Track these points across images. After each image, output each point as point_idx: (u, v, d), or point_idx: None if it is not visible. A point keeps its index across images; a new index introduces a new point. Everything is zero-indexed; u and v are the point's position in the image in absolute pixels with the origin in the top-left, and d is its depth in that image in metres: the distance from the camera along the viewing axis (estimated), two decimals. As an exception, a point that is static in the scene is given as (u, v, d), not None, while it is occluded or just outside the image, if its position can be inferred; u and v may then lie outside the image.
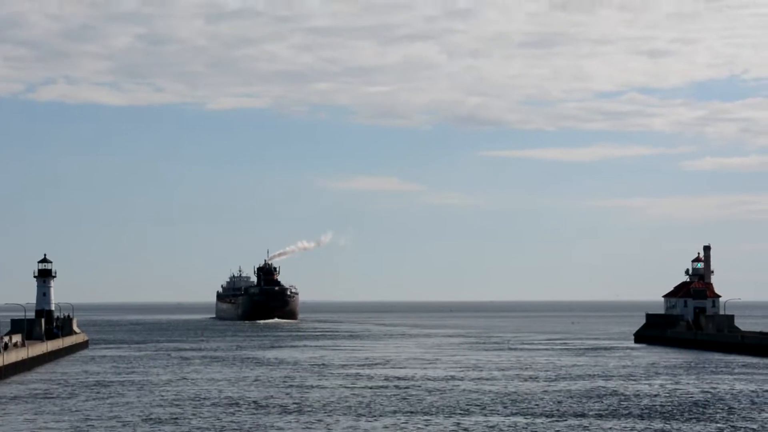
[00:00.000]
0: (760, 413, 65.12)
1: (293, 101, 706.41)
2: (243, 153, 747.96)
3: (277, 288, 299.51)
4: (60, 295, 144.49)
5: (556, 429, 57.22)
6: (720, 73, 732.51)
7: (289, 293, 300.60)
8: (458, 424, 59.63)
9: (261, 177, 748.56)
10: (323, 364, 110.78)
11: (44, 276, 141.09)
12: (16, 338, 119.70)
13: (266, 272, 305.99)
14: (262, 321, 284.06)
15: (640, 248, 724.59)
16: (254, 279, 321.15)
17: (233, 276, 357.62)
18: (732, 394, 77.32)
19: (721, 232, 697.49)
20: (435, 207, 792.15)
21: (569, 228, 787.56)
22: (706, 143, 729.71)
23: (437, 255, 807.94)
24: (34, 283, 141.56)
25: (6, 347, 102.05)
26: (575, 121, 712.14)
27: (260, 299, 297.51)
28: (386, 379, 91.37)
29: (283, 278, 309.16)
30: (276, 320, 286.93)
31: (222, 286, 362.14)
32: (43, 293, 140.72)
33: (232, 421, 60.93)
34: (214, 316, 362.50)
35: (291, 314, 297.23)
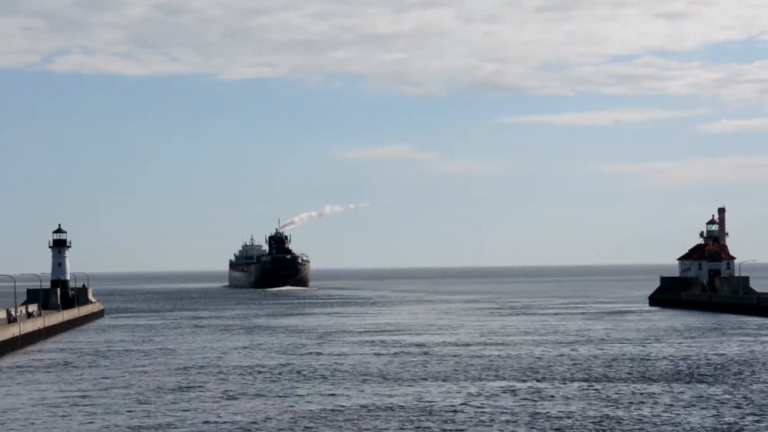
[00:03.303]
0: (778, 374, 64.92)
1: (307, 70, 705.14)
2: (257, 122, 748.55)
3: (288, 256, 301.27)
4: (75, 265, 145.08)
5: (574, 393, 57.14)
6: (738, 35, 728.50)
7: (300, 261, 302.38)
8: (480, 390, 59.59)
9: (275, 146, 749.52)
10: (338, 331, 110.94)
11: (59, 246, 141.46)
12: (33, 308, 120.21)
13: (278, 241, 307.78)
14: (274, 289, 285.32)
15: (658, 211, 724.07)
16: (266, 248, 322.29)
17: (245, 245, 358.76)
18: (747, 355, 77.11)
19: (737, 194, 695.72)
20: (450, 174, 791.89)
21: (586, 192, 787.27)
22: (723, 105, 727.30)
23: (453, 222, 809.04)
24: (49, 253, 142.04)
25: (14, 318, 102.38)
26: (591, 85, 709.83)
27: (272, 267, 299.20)
28: (405, 345, 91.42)
29: (295, 247, 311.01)
30: (288, 288, 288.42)
31: (235, 255, 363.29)
32: (59, 263, 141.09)
33: (249, 389, 61.01)
34: (227, 284, 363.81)
35: (302, 282, 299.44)
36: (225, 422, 48.85)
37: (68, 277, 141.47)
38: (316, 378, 66.12)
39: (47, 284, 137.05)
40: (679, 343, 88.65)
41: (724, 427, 46.08)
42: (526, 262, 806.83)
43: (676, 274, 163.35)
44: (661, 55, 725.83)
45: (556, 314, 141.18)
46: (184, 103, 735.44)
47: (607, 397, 55.42)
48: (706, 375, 65.14)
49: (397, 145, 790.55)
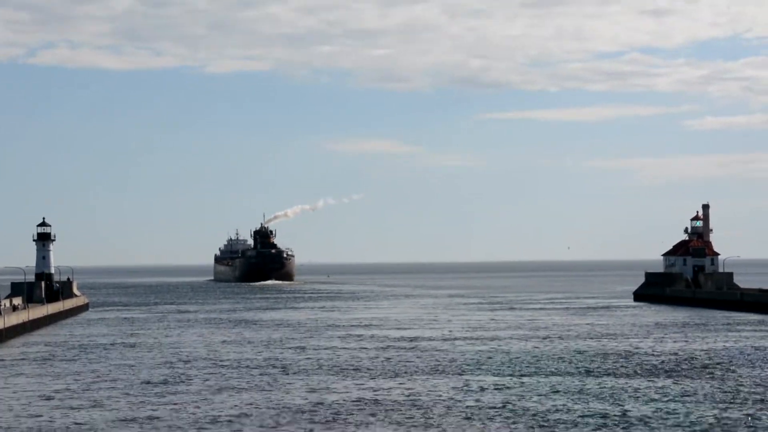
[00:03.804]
0: (759, 370, 65.24)
1: (294, 64, 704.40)
2: (243, 116, 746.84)
3: (273, 251, 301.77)
4: (59, 259, 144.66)
5: (560, 388, 57.32)
6: (723, 32, 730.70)
7: (285, 256, 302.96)
8: (466, 384, 59.71)
9: (261, 140, 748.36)
10: (324, 325, 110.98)
11: (43, 239, 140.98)
12: (17, 301, 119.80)
13: (262, 235, 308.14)
14: (258, 283, 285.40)
15: (642, 207, 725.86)
16: (251, 242, 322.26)
17: (231, 239, 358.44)
18: (731, 350, 77.50)
19: (722, 190, 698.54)
20: (436, 169, 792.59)
21: (571, 188, 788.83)
22: (708, 102, 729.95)
23: (439, 217, 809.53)
24: (33, 246, 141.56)
25: None
26: (577, 81, 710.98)
27: (257, 262, 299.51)
28: (391, 339, 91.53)
29: (281, 241, 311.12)
30: (273, 282, 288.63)
31: (220, 249, 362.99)
32: (43, 256, 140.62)
33: (235, 382, 60.99)
34: (212, 278, 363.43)
35: (287, 276, 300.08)
36: (212, 416, 48.82)
37: (53, 271, 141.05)
38: (302, 372, 66.14)
39: (31, 277, 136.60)
40: (664, 339, 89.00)
41: (709, 421, 46.31)
42: (511, 257, 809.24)
43: (661, 269, 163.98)
44: (647, 51, 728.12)
45: (541, 309, 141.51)
46: (170, 96, 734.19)
47: (592, 392, 55.62)
48: (691, 370, 65.43)
49: (384, 140, 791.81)
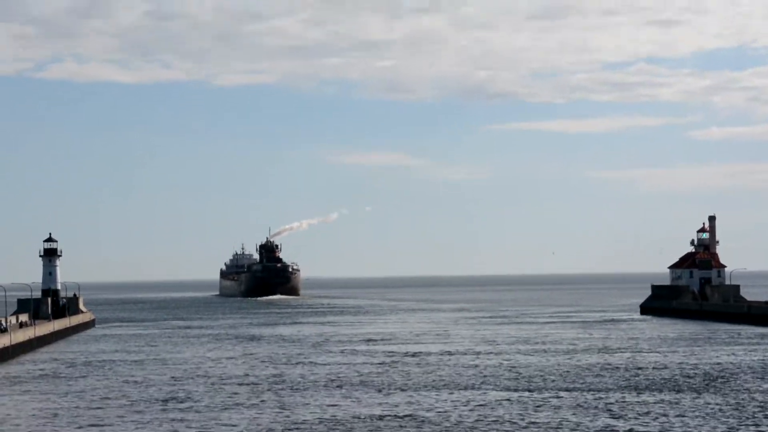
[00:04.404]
0: (765, 382, 65.06)
1: (301, 77, 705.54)
2: (250, 129, 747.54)
3: (279, 265, 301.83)
4: (66, 275, 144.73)
5: (566, 402, 57.15)
6: (729, 43, 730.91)
7: (290, 270, 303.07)
8: (472, 399, 59.56)
9: (268, 153, 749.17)
10: (330, 340, 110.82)
11: (50, 255, 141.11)
12: (23, 317, 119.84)
13: (268, 249, 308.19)
14: (264, 298, 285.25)
15: (648, 218, 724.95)
16: (257, 256, 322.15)
17: (236, 254, 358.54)
18: (738, 364, 77.22)
19: (727, 201, 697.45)
20: (442, 181, 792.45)
21: (577, 200, 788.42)
22: (713, 113, 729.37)
23: (444, 229, 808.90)
24: (39, 262, 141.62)
25: (4, 328, 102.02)
26: (583, 92, 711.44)
27: (262, 276, 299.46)
28: (398, 354, 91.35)
29: (287, 255, 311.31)
30: (278, 296, 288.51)
31: (225, 264, 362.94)
32: (49, 272, 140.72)
33: (242, 398, 60.88)
34: (217, 293, 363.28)
35: (293, 290, 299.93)
36: (218, 433, 48.70)
37: (59, 287, 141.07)
38: (309, 387, 66.00)
39: (38, 294, 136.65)
40: (671, 352, 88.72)
41: (717, 436, 46.12)
42: (517, 270, 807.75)
43: (667, 282, 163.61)
44: (653, 62, 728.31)
45: (547, 323, 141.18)
46: (177, 110, 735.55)
47: (599, 406, 55.43)
48: (698, 384, 65.19)
49: (389, 151, 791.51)
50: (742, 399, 57.70)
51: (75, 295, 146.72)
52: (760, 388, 62.56)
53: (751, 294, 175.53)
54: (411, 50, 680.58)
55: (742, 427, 48.41)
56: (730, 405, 55.38)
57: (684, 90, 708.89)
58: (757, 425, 48.80)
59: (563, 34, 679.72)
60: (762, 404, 55.54)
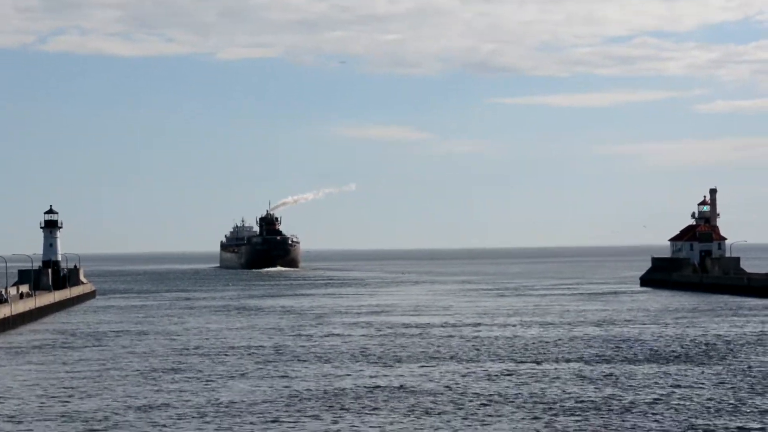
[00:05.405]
0: (765, 354, 65.21)
1: (305, 50, 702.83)
2: (253, 103, 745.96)
3: (278, 237, 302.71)
4: (66, 246, 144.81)
5: (568, 374, 57.30)
6: (734, 16, 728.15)
7: (290, 242, 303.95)
8: (475, 370, 59.71)
9: (271, 127, 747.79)
10: (332, 312, 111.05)
11: (50, 227, 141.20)
12: (24, 288, 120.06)
13: (268, 222, 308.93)
14: (264, 270, 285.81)
15: (652, 192, 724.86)
16: (257, 229, 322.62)
17: (236, 226, 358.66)
18: (738, 336, 77.39)
19: (729, 175, 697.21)
20: (447, 155, 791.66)
21: (582, 173, 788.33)
22: (719, 86, 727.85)
23: (448, 202, 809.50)
24: (40, 234, 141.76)
25: (5, 299, 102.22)
26: (588, 66, 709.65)
27: (262, 248, 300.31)
28: (400, 326, 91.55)
29: (287, 228, 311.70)
30: (278, 269, 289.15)
31: (225, 236, 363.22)
32: (50, 244, 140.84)
33: (245, 370, 61.03)
34: (218, 265, 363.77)
35: (293, 263, 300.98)
36: (221, 403, 48.85)
37: (59, 258, 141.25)
38: (312, 359, 66.17)
39: (38, 265, 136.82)
40: (671, 324, 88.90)
41: (718, 406, 46.24)
42: (520, 243, 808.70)
43: (668, 254, 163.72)
44: (658, 35, 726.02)
45: (548, 295, 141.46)
46: (180, 83, 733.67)
47: (600, 378, 55.58)
48: (697, 355, 65.34)
49: (394, 125, 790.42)
50: (742, 370, 57.84)
51: (75, 266, 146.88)
52: (760, 360, 62.69)
53: (751, 266, 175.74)
54: (415, 24, 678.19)
55: (742, 397, 48.53)
56: (729, 376, 55.51)
57: (689, 64, 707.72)
58: (754, 396, 48.91)
59: (569, 8, 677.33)
60: (761, 375, 55.67)
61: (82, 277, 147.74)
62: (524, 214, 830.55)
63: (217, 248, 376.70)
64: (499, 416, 44.71)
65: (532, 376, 56.26)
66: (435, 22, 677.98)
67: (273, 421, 44.24)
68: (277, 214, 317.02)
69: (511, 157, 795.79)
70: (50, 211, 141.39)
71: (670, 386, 52.22)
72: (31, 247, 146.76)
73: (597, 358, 64.27)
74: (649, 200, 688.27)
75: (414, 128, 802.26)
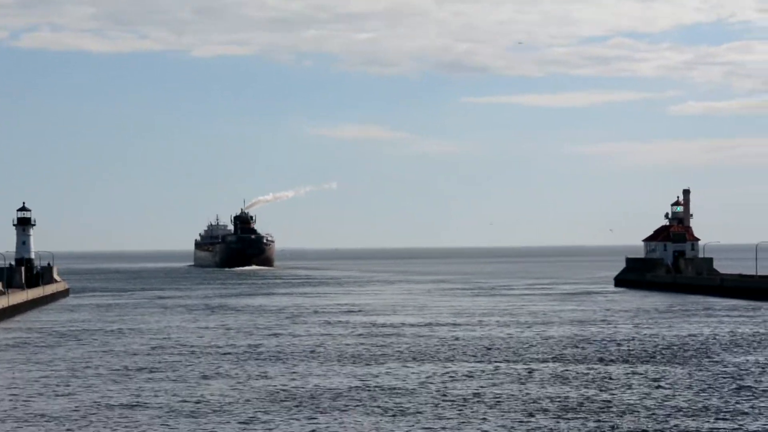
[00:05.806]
0: (738, 356, 65.62)
1: (280, 49, 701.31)
2: (228, 101, 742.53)
3: (253, 236, 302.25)
4: (39, 244, 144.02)
5: (541, 374, 57.51)
6: (708, 17, 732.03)
7: (265, 241, 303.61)
8: (447, 370, 59.83)
9: (245, 125, 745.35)
10: (307, 311, 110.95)
11: (23, 224, 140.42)
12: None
13: (243, 221, 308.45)
14: (238, 268, 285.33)
15: (625, 192, 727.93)
16: (232, 227, 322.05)
17: (211, 224, 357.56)
18: (711, 336, 77.90)
19: (703, 176, 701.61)
20: (423, 154, 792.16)
21: (555, 174, 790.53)
22: (692, 87, 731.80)
23: (423, 202, 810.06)
24: (13, 231, 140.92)
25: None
26: (562, 66, 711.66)
27: (237, 247, 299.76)
28: (371, 325, 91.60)
29: (264, 226, 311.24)
30: (253, 267, 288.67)
31: (200, 235, 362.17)
32: (23, 241, 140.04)
33: (219, 369, 60.90)
34: (192, 263, 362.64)
35: (267, 261, 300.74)
36: (196, 402, 48.74)
37: (33, 256, 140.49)
38: (287, 358, 66.12)
39: (11, 262, 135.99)
40: (645, 324, 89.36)
41: (689, 406, 46.56)
42: (494, 242, 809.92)
43: (642, 255, 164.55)
44: (633, 36, 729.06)
45: (523, 295, 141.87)
46: (154, 80, 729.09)
47: (573, 378, 55.83)
48: (670, 356, 65.74)
49: (369, 124, 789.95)
50: (715, 370, 58.24)
51: (49, 264, 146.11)
52: (732, 360, 63.16)
53: (723, 267, 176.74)
54: (391, 23, 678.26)
55: (714, 398, 48.87)
56: (702, 376, 55.88)
57: (662, 65, 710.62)
58: (725, 396, 49.26)
59: (544, 8, 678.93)
60: (733, 375, 56.10)
61: (55, 275, 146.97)
62: (499, 214, 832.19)
63: (191, 246, 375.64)
64: (475, 416, 44.85)
65: (507, 376, 56.44)
66: (410, 22, 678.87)
67: (248, 421, 44.21)
68: (252, 212, 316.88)
69: (487, 157, 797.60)
70: (23, 209, 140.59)
71: (645, 386, 52.52)
72: (3, 244, 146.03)
73: (572, 358, 64.55)
74: (623, 200, 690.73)
75: (389, 127, 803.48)
